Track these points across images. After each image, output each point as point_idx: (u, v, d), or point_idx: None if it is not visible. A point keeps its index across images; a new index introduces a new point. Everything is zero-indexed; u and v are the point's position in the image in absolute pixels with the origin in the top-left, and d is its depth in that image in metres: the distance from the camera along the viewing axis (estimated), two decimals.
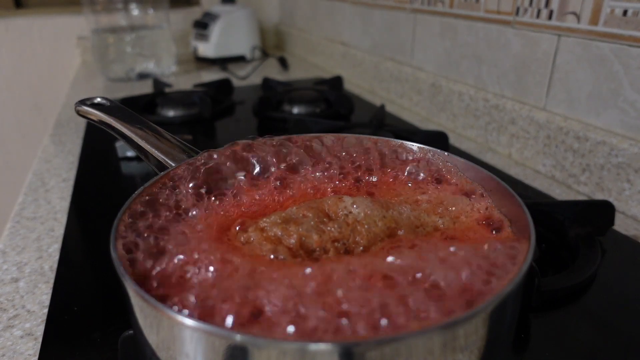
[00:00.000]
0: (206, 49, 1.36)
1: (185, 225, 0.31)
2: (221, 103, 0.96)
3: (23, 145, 1.59)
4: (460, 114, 0.80)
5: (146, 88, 1.11)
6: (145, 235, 0.29)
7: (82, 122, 0.88)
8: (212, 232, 0.30)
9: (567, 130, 0.61)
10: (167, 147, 0.39)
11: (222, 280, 0.25)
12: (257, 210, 0.34)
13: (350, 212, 0.31)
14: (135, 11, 1.25)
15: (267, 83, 1.07)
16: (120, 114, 0.41)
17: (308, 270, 0.25)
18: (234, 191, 0.35)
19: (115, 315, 0.39)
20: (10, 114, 1.54)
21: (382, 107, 0.83)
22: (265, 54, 1.47)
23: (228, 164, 0.37)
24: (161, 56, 1.27)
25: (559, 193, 0.61)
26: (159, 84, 1.05)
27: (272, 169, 0.38)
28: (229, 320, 0.22)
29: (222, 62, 1.35)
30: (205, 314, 0.23)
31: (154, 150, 0.39)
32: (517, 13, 0.68)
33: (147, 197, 0.32)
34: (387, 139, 0.41)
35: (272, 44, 1.67)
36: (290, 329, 0.21)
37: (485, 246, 0.27)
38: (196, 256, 0.27)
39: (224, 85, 1.05)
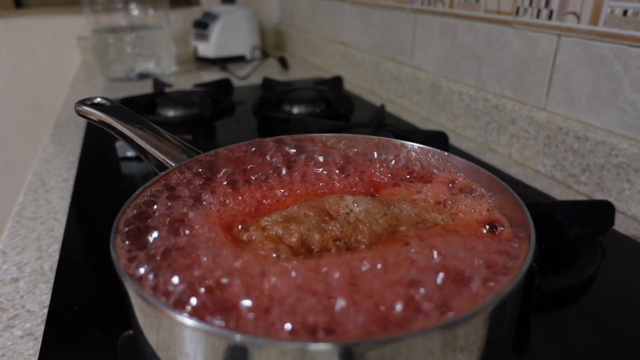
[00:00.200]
0: (206, 49, 1.36)
1: (186, 224, 0.31)
2: (221, 103, 0.96)
3: (23, 145, 1.59)
4: (460, 114, 0.80)
5: (146, 88, 1.11)
6: (146, 234, 0.29)
7: (82, 122, 0.88)
8: (213, 232, 0.30)
9: (567, 130, 0.61)
10: (167, 147, 0.39)
11: (229, 277, 0.25)
12: (258, 209, 0.34)
13: (352, 211, 0.31)
14: (135, 11, 1.25)
15: (267, 83, 1.07)
16: (120, 114, 0.41)
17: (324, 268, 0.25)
18: (235, 191, 0.35)
19: (115, 315, 0.39)
20: (10, 114, 1.54)
21: (382, 107, 0.83)
22: (265, 54, 1.47)
23: (227, 163, 0.37)
24: (161, 56, 1.27)
25: (559, 193, 0.61)
26: (159, 84, 1.05)
27: (270, 171, 0.38)
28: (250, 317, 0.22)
29: (222, 62, 1.35)
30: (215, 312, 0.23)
31: (154, 150, 0.39)
32: (517, 13, 0.68)
33: (147, 197, 0.32)
34: (387, 139, 0.41)
35: (272, 44, 1.67)
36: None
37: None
38: (198, 255, 0.27)
39: (224, 85, 1.05)
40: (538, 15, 0.64)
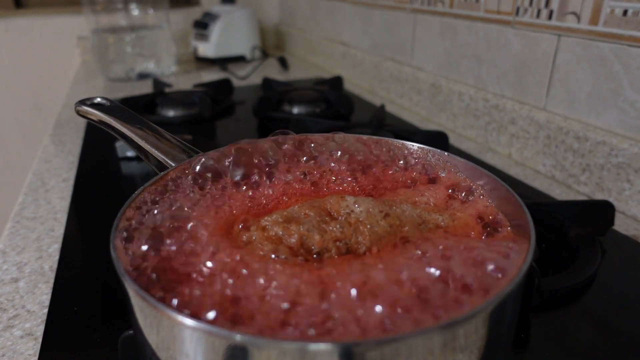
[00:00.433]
0: (206, 49, 1.36)
1: (186, 224, 0.31)
2: (221, 103, 0.96)
3: (23, 145, 1.59)
4: (460, 114, 0.80)
5: (146, 88, 1.11)
6: (146, 234, 0.29)
7: (82, 122, 0.88)
8: (214, 231, 0.30)
9: (567, 130, 0.61)
10: (167, 147, 0.39)
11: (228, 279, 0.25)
12: (259, 209, 0.34)
13: (352, 211, 0.31)
14: (135, 11, 1.25)
15: (267, 83, 1.07)
16: (120, 114, 0.41)
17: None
18: (237, 190, 0.35)
19: (115, 315, 0.39)
20: (10, 114, 1.54)
21: (382, 107, 0.83)
22: (265, 54, 1.47)
23: (228, 163, 0.37)
24: (161, 56, 1.27)
25: (559, 193, 0.61)
26: (159, 84, 1.05)
27: (272, 170, 0.38)
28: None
29: (222, 62, 1.35)
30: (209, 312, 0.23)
31: (154, 150, 0.39)
32: (517, 13, 0.68)
33: (147, 197, 0.32)
34: (387, 139, 0.41)
35: (272, 44, 1.67)
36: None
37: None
38: (198, 255, 0.27)
39: (224, 85, 1.05)
40: (538, 15, 0.64)
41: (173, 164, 0.37)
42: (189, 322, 0.21)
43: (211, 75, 1.25)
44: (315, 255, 0.28)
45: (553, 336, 0.36)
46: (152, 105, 0.92)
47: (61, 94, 1.26)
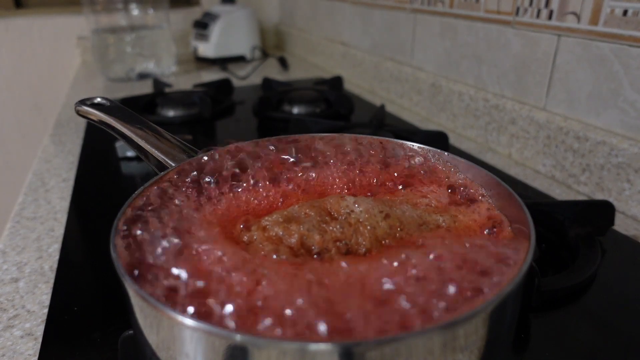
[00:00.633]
0: (206, 49, 1.36)
1: (186, 225, 0.31)
2: (221, 103, 0.96)
3: (23, 145, 1.59)
4: (460, 114, 0.80)
5: (146, 88, 1.11)
6: (146, 234, 0.29)
7: (82, 122, 0.88)
8: (215, 231, 0.30)
9: (567, 130, 0.61)
10: (167, 147, 0.39)
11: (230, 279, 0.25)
12: (260, 208, 0.34)
13: (352, 211, 0.31)
14: (135, 11, 1.25)
15: (267, 83, 1.07)
16: (120, 114, 0.41)
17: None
18: (238, 190, 0.35)
19: (115, 315, 0.39)
20: (10, 114, 1.54)
21: (382, 107, 0.83)
22: (265, 54, 1.47)
23: (228, 162, 0.37)
24: (161, 56, 1.27)
25: (559, 193, 0.61)
26: (159, 84, 1.05)
27: (272, 170, 0.38)
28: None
29: (222, 62, 1.35)
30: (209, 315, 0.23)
31: (154, 150, 0.39)
32: (517, 13, 0.68)
33: (147, 197, 0.32)
34: (387, 139, 0.41)
35: (272, 44, 1.67)
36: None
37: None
38: (198, 255, 0.27)
39: (224, 85, 1.05)
40: (538, 15, 0.64)
41: (173, 164, 0.37)
42: (189, 322, 0.21)
43: (211, 75, 1.25)
44: (315, 256, 0.28)
45: (553, 336, 0.36)
46: (152, 105, 0.92)
47: (61, 94, 1.26)
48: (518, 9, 0.67)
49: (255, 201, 0.35)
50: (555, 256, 0.46)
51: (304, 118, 0.82)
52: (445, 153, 0.38)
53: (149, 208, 0.31)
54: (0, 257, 0.49)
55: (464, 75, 0.81)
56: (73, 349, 0.36)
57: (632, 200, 0.54)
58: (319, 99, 0.92)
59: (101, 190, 0.63)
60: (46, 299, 0.42)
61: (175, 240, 0.28)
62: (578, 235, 0.46)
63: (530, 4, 0.65)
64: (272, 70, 1.32)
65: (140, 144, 0.39)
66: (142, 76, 1.23)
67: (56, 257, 0.48)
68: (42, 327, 0.39)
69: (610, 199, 0.56)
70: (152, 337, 0.24)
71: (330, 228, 0.29)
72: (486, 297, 0.24)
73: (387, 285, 0.24)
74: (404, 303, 0.23)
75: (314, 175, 0.38)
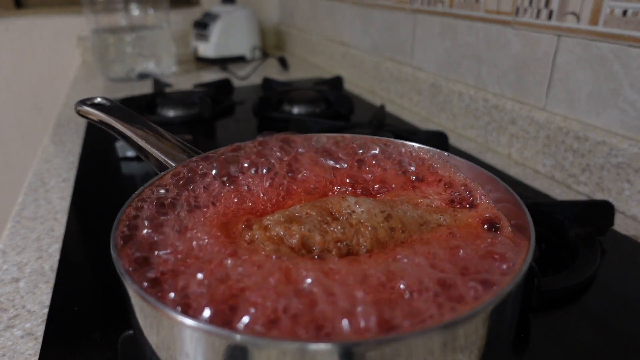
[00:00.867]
0: (206, 49, 1.36)
1: (186, 225, 0.31)
2: (221, 103, 0.96)
3: (23, 145, 1.59)
4: (460, 114, 0.80)
5: (146, 88, 1.11)
6: (146, 234, 0.29)
7: (82, 122, 0.88)
8: (214, 232, 0.30)
9: (567, 130, 0.61)
10: (167, 147, 0.39)
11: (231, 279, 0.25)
12: (260, 208, 0.34)
13: (354, 212, 0.31)
14: (135, 11, 1.25)
15: (267, 83, 1.07)
16: (120, 114, 0.41)
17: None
18: (238, 190, 0.35)
19: (115, 315, 0.39)
20: (10, 114, 1.54)
21: (382, 107, 0.83)
22: (265, 54, 1.47)
23: (229, 162, 0.37)
24: (161, 56, 1.27)
25: (559, 193, 0.61)
26: (159, 84, 1.05)
27: (275, 169, 0.38)
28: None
29: (222, 62, 1.35)
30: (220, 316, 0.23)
31: (154, 150, 0.39)
32: (517, 13, 0.68)
33: (147, 197, 0.32)
34: (387, 139, 0.41)
35: (272, 44, 1.67)
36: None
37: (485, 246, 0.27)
38: (198, 255, 0.27)
39: (224, 85, 1.05)
40: (538, 16, 0.64)
41: (173, 164, 0.37)
42: (189, 322, 0.21)
43: (211, 75, 1.25)
44: (316, 257, 0.28)
45: (553, 336, 0.36)
46: (152, 105, 0.92)
47: (61, 94, 1.26)
48: (518, 9, 0.67)
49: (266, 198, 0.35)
50: (555, 256, 0.46)
51: (304, 118, 0.82)
52: (445, 153, 0.38)
53: (149, 208, 0.31)
54: (1, 257, 0.49)
55: (464, 75, 0.81)
56: (73, 348, 0.36)
57: (632, 200, 0.54)
58: (319, 99, 0.92)
59: (101, 190, 0.63)
60: (46, 299, 0.43)
61: (177, 241, 0.28)
62: (578, 235, 0.46)
63: (530, 4, 0.65)
64: (272, 70, 1.32)
65: (140, 144, 0.39)
66: (142, 76, 1.23)
67: (56, 257, 0.48)
68: (42, 327, 0.39)
69: (610, 199, 0.56)
70: (152, 337, 0.24)
71: (332, 229, 0.29)
72: (486, 297, 0.24)
73: (387, 285, 0.24)
74: (404, 303, 0.23)
75: (314, 174, 0.38)
